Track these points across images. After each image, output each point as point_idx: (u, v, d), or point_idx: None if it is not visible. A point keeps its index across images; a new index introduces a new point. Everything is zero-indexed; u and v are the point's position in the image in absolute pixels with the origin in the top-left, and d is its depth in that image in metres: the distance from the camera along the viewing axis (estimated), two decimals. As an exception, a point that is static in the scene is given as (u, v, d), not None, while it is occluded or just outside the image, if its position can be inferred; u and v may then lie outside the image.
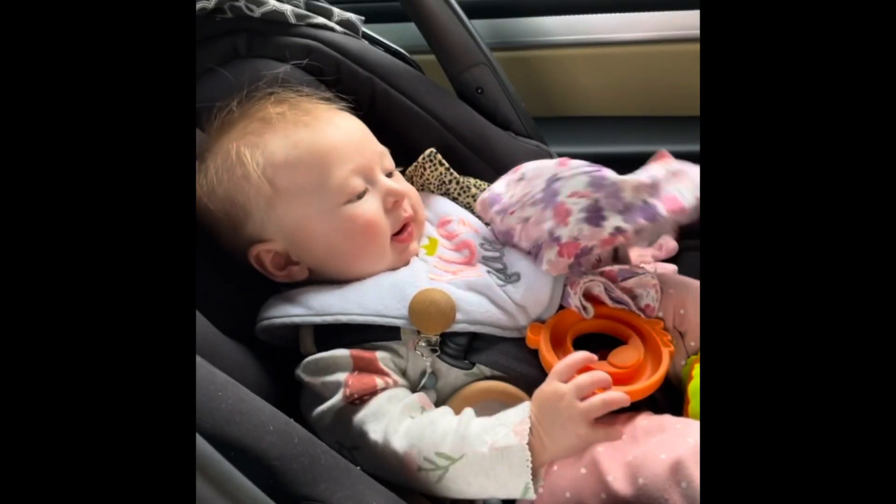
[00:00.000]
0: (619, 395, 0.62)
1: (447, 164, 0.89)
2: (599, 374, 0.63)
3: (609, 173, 0.67)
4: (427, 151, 0.89)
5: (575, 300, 0.71)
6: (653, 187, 0.68)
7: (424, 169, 0.89)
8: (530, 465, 0.62)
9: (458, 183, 0.89)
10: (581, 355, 0.65)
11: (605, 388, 0.64)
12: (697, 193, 0.70)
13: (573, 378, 0.64)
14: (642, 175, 0.70)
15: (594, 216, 0.67)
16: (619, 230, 0.67)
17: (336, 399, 0.68)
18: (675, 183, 0.70)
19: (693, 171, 0.73)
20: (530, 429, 0.63)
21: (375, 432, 0.66)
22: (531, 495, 0.63)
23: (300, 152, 0.74)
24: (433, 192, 0.90)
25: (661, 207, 0.68)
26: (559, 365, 0.66)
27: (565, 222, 0.68)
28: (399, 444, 0.65)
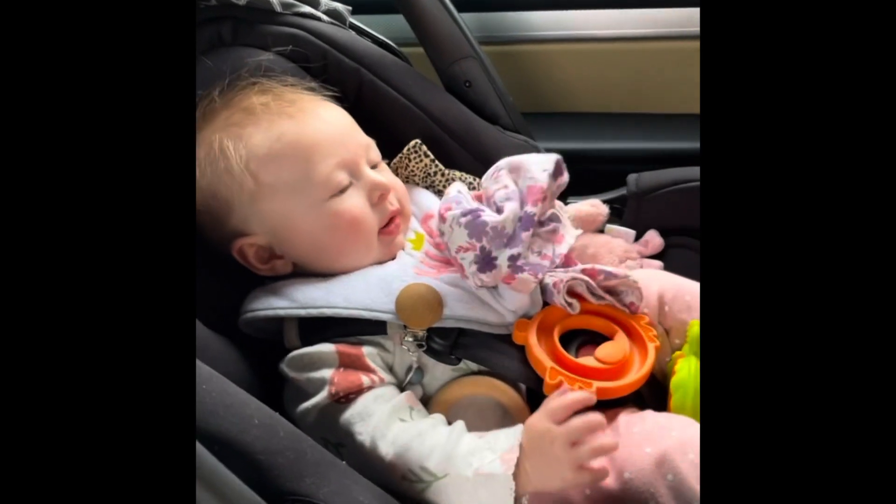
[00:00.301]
0: (610, 442, 0.61)
1: (432, 156, 0.89)
2: (594, 419, 0.61)
3: (487, 216, 0.67)
4: (412, 142, 0.88)
5: (559, 298, 0.71)
6: (520, 200, 0.69)
7: (409, 160, 0.88)
8: (514, 494, 0.61)
9: (443, 175, 0.89)
10: (578, 396, 0.63)
11: (598, 430, 0.62)
12: (547, 166, 0.71)
13: (567, 418, 0.62)
14: (501, 195, 0.70)
15: (485, 263, 0.67)
16: (513, 259, 0.67)
17: (321, 396, 0.67)
18: (523, 174, 0.71)
19: (523, 157, 0.73)
20: (518, 458, 0.61)
21: (362, 434, 0.66)
22: None
23: (283, 146, 0.72)
24: (418, 184, 0.89)
25: (531, 208, 0.68)
26: (554, 402, 0.63)
27: (465, 276, 0.69)
28: (385, 449, 0.64)
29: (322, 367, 0.69)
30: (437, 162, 0.89)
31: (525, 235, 0.68)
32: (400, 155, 0.88)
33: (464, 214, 0.67)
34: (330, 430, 0.67)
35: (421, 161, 0.88)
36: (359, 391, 0.68)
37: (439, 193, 0.88)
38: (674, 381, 0.71)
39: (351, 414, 0.67)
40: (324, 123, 0.76)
